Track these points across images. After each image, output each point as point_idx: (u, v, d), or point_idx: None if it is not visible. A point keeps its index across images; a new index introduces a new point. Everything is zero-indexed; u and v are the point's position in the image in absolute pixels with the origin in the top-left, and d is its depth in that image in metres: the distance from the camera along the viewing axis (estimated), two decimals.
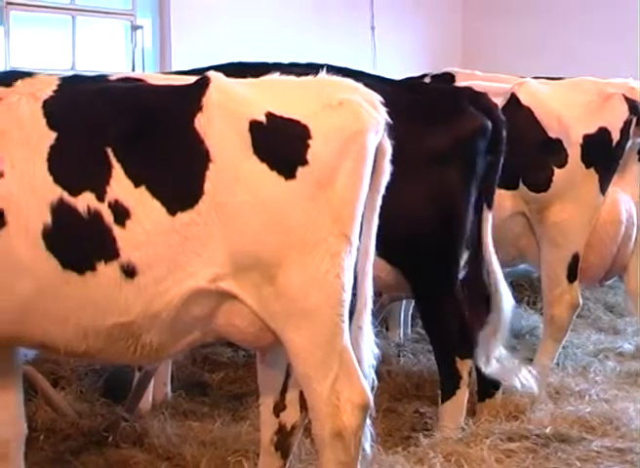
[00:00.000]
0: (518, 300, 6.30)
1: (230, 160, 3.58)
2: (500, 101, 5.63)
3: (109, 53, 8.63)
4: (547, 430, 4.75)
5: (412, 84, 6.31)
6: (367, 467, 3.94)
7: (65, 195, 3.55)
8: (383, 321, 7.13)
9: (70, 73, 6.97)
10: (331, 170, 3.60)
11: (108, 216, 3.55)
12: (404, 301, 7.04)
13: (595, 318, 7.78)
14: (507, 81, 6.38)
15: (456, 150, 4.95)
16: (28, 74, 3.82)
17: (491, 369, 5.03)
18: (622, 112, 6.03)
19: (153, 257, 3.56)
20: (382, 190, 3.82)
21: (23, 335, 3.72)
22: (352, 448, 3.72)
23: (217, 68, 4.02)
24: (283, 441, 4.14)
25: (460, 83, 6.59)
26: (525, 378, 5.13)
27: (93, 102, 3.73)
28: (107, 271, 3.55)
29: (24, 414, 4.08)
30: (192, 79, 3.79)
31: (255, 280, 3.63)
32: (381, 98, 3.80)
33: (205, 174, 3.57)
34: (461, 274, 5.08)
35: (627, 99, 6.05)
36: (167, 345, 3.77)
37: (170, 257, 3.57)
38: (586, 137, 5.96)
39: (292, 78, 3.84)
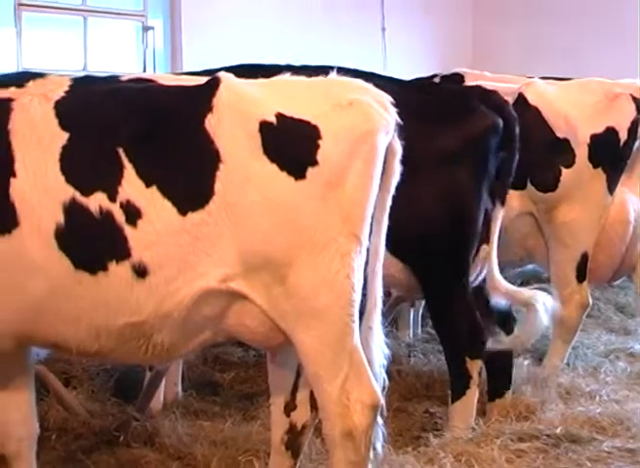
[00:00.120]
0: None
1: (240, 160, 3.59)
2: None
3: (121, 53, 8.67)
4: (558, 430, 4.75)
5: (422, 84, 6.32)
6: (377, 467, 3.94)
7: (77, 195, 3.57)
8: (393, 321, 7.13)
9: (82, 74, 7.02)
10: (341, 170, 3.61)
11: (120, 216, 3.56)
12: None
13: (606, 318, 7.77)
14: (516, 82, 6.38)
15: (467, 149, 4.95)
16: (40, 75, 3.84)
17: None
18: (630, 112, 6.03)
19: (164, 257, 3.58)
20: (392, 190, 3.82)
21: (36, 335, 3.74)
22: (363, 448, 3.73)
23: (228, 70, 4.03)
24: (294, 440, 4.15)
25: (469, 83, 6.59)
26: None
27: (104, 103, 3.75)
28: (119, 271, 3.57)
29: (37, 414, 4.11)
30: (203, 80, 3.80)
31: (265, 280, 3.64)
32: (392, 99, 3.80)
33: (215, 174, 3.58)
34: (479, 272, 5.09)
35: (635, 99, 6.05)
36: (178, 345, 3.78)
37: (181, 257, 3.59)
38: (594, 137, 5.96)
39: (302, 79, 3.85)
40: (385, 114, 3.72)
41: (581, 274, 6.07)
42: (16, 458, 4.05)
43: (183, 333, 3.74)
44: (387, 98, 3.79)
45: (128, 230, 3.56)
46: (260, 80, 3.82)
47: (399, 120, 3.76)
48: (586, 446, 4.66)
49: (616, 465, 4.49)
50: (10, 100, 3.67)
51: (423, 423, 5.40)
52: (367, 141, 3.65)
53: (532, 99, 5.99)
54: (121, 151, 3.60)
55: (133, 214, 3.56)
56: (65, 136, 3.62)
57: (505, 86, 6.10)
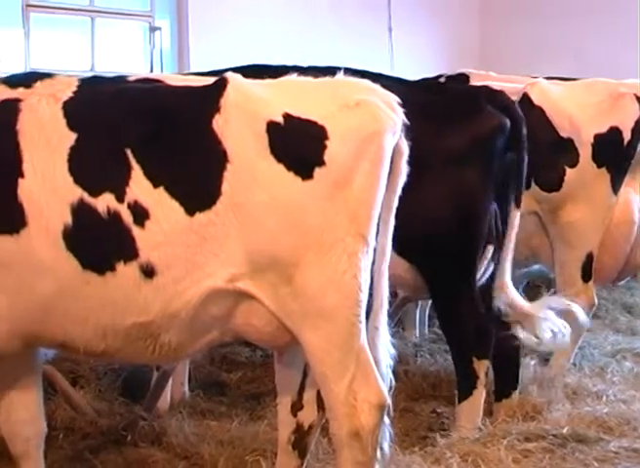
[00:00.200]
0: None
1: (248, 160, 3.59)
2: None
3: (128, 54, 8.70)
4: (565, 430, 4.74)
5: (429, 84, 6.32)
6: (384, 467, 3.95)
7: (85, 196, 3.58)
8: (400, 321, 7.14)
9: (89, 74, 7.03)
10: (348, 170, 3.61)
11: (128, 217, 3.57)
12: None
13: (613, 319, 7.76)
14: (521, 82, 6.37)
15: (474, 150, 4.95)
16: (48, 75, 3.85)
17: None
18: (634, 112, 6.03)
19: (172, 257, 3.59)
20: (399, 191, 3.83)
21: (44, 335, 3.75)
22: (369, 448, 3.73)
23: (235, 70, 4.03)
24: (300, 440, 4.16)
25: (474, 84, 6.59)
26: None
27: (112, 103, 3.76)
28: (127, 271, 3.58)
29: (44, 413, 4.13)
30: (210, 80, 3.81)
31: (272, 280, 3.64)
32: (399, 99, 3.81)
33: (222, 174, 3.59)
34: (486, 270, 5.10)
35: (639, 99, 6.04)
36: (185, 345, 3.79)
37: (188, 258, 3.59)
38: (597, 137, 5.96)
39: (309, 79, 3.86)
40: (392, 115, 3.73)
41: (587, 274, 6.07)
42: (23, 457, 4.07)
43: (191, 333, 3.75)
44: (394, 99, 3.79)
45: (135, 231, 3.57)
46: (268, 80, 3.83)
47: (406, 120, 3.76)
48: (593, 446, 4.65)
49: (623, 465, 4.48)
50: (18, 101, 3.69)
51: (430, 423, 5.40)
52: (374, 142, 3.66)
53: (536, 99, 5.99)
54: (129, 152, 3.61)
55: (140, 214, 3.57)
56: (73, 136, 3.63)
57: (511, 86, 6.10)
